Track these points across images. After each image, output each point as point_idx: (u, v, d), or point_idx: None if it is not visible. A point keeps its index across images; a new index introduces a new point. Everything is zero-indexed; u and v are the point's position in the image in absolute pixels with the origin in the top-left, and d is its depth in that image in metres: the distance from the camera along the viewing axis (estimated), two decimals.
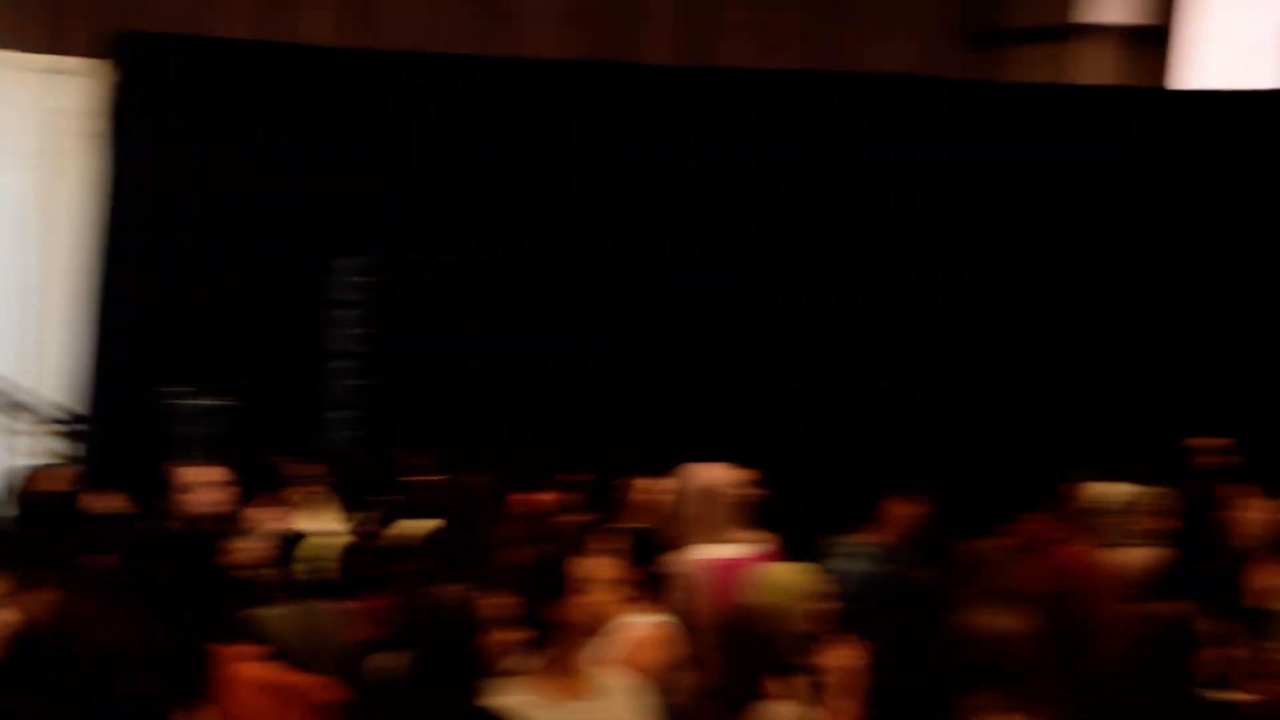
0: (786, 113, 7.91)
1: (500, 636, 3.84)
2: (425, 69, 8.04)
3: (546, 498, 5.99)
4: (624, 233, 7.82)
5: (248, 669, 3.80)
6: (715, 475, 5.52)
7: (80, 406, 8.19)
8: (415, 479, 6.58)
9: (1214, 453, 7.77)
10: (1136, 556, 5.77)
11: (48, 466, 7.01)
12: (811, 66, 11.21)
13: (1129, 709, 4.26)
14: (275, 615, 4.84)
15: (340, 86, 7.98)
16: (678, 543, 5.42)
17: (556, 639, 3.91)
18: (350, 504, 6.38)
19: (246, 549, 5.13)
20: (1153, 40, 12.10)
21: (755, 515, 6.33)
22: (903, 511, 5.78)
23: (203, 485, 5.91)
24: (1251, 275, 8.32)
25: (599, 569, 3.97)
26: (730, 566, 5.27)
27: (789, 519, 6.92)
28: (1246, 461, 7.74)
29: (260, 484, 6.54)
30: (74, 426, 8.26)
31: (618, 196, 7.79)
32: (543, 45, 10.56)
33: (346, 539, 5.48)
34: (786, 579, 4.76)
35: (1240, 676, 4.48)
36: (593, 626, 3.94)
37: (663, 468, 6.33)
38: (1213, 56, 11.89)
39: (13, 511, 5.85)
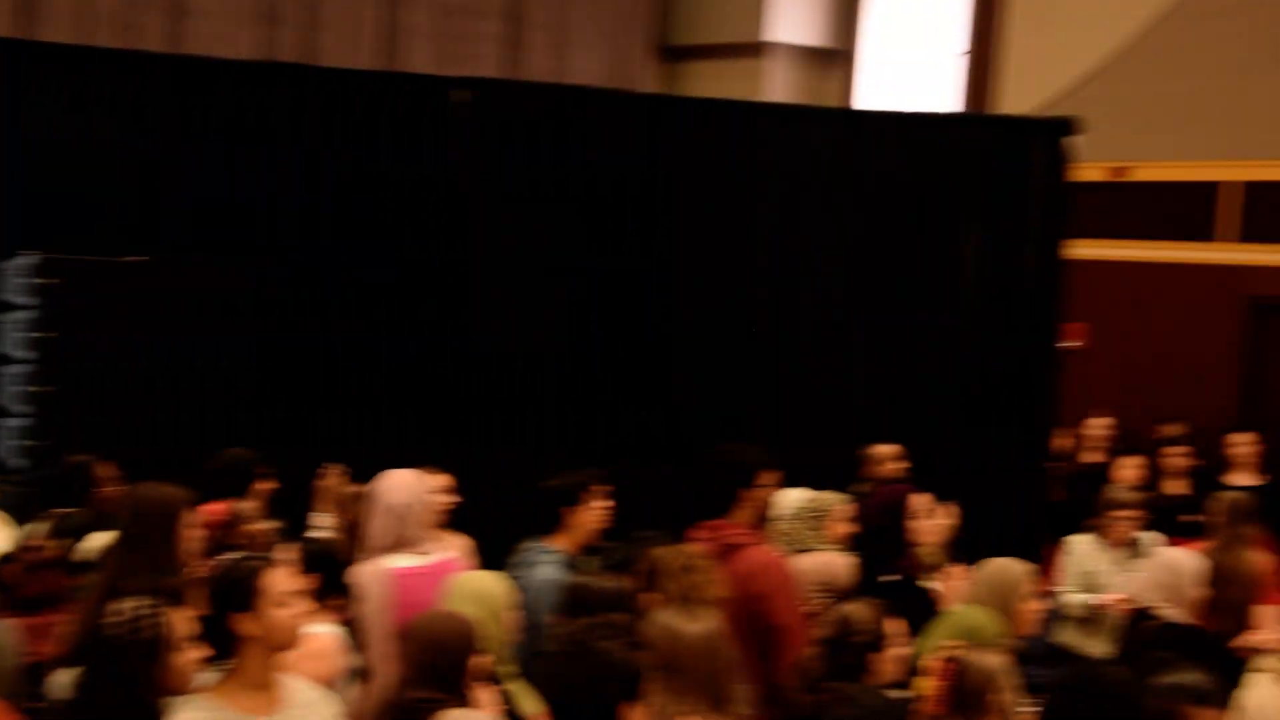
0: (476, 120, 7.87)
1: (182, 652, 3.72)
2: (95, 63, 7.68)
3: (233, 507, 5.82)
4: (279, 234, 7.60)
5: None
6: (406, 482, 5.45)
7: None
8: (96, 489, 6.33)
9: (892, 459, 8.08)
10: (823, 560, 5.95)
11: None
12: (504, 75, 11.25)
13: (811, 709, 4.39)
14: None
15: (9, 80, 7.58)
16: (366, 550, 5.35)
17: (239, 653, 3.82)
18: (25, 516, 6.08)
19: None
20: (837, 61, 12.58)
21: (449, 521, 6.30)
22: (588, 516, 5.82)
23: None
24: (899, 290, 8.60)
25: (283, 580, 3.88)
26: (419, 574, 5.22)
27: (483, 524, 6.91)
28: (915, 468, 8.08)
29: None
30: None
31: (281, 198, 7.60)
32: (225, 44, 10.29)
33: (16, 553, 5.23)
34: (476, 587, 4.75)
35: (917, 675, 4.68)
36: (276, 639, 3.85)
37: (361, 471, 6.24)
38: (893, 79, 12.44)
39: None
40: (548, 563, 5.54)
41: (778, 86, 12.29)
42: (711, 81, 12.42)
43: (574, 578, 5.12)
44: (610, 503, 6.09)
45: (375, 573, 5.20)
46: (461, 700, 3.99)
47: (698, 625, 3.96)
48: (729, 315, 8.25)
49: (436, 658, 4.04)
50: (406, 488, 5.40)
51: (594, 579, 4.86)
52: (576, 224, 8.00)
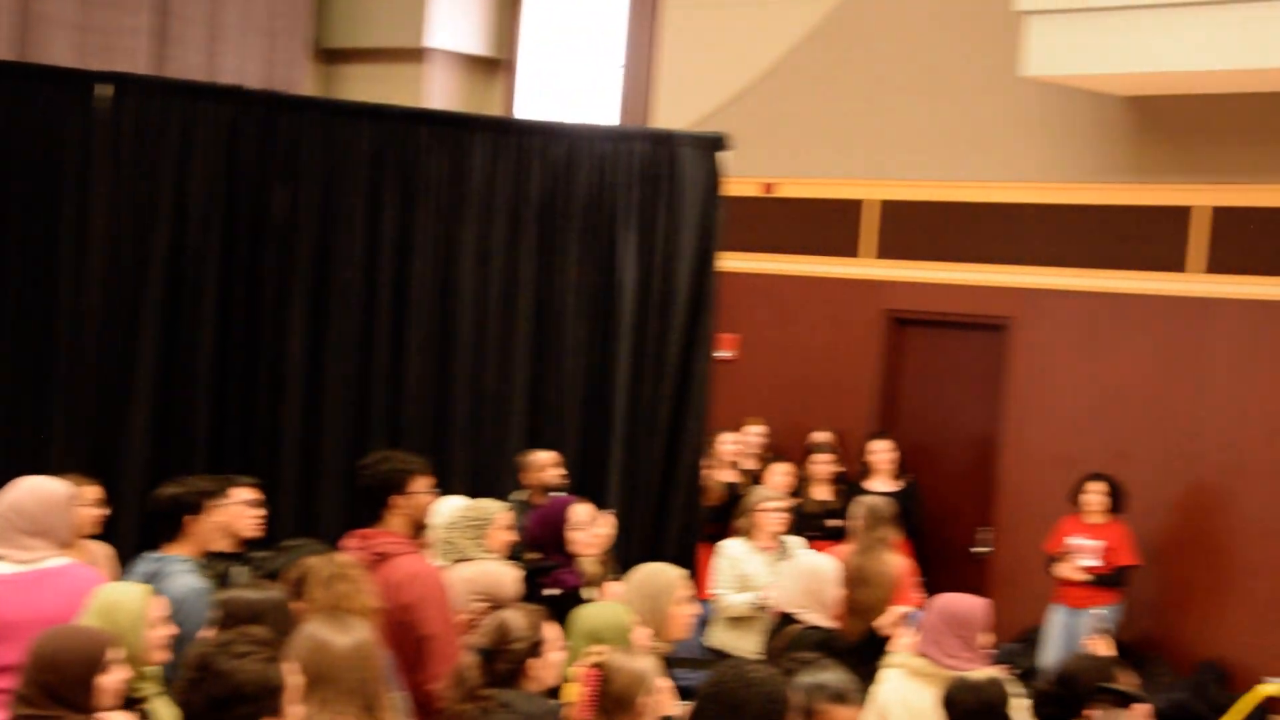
0: (125, 118, 7.55)
1: None
2: None
3: None
4: None
5: None
6: (35, 488, 5.16)
7: None
8: None
9: (551, 466, 8.13)
10: (483, 570, 5.90)
11: None
12: (153, 72, 10.82)
13: (468, 717, 4.36)
14: None
15: None
16: None
17: None
18: None
19: None
20: (499, 70, 12.61)
21: (94, 530, 6.02)
22: (216, 523, 5.65)
23: None
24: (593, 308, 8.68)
25: None
26: (3, 582, 4.95)
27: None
28: (574, 477, 8.15)
29: None
30: None
31: None
32: None
33: None
34: (112, 599, 4.52)
35: (568, 679, 4.70)
36: None
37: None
38: (555, 90, 12.55)
39: None
40: (182, 572, 5.34)
41: (438, 93, 12.23)
42: (371, 85, 12.26)
43: (227, 589, 4.96)
44: (261, 510, 5.94)
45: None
46: (86, 718, 3.80)
47: (346, 636, 3.89)
48: (385, 322, 8.13)
49: (54, 674, 3.84)
50: (36, 494, 5.12)
51: (246, 590, 4.71)
52: (223, 225, 7.75)
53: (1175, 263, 9.55)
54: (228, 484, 5.90)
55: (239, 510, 5.92)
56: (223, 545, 5.74)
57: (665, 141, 8.83)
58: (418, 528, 5.60)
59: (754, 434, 10.28)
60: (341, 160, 8.04)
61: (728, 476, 9.69)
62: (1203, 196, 9.49)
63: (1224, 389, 9.38)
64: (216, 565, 5.60)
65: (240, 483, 6.04)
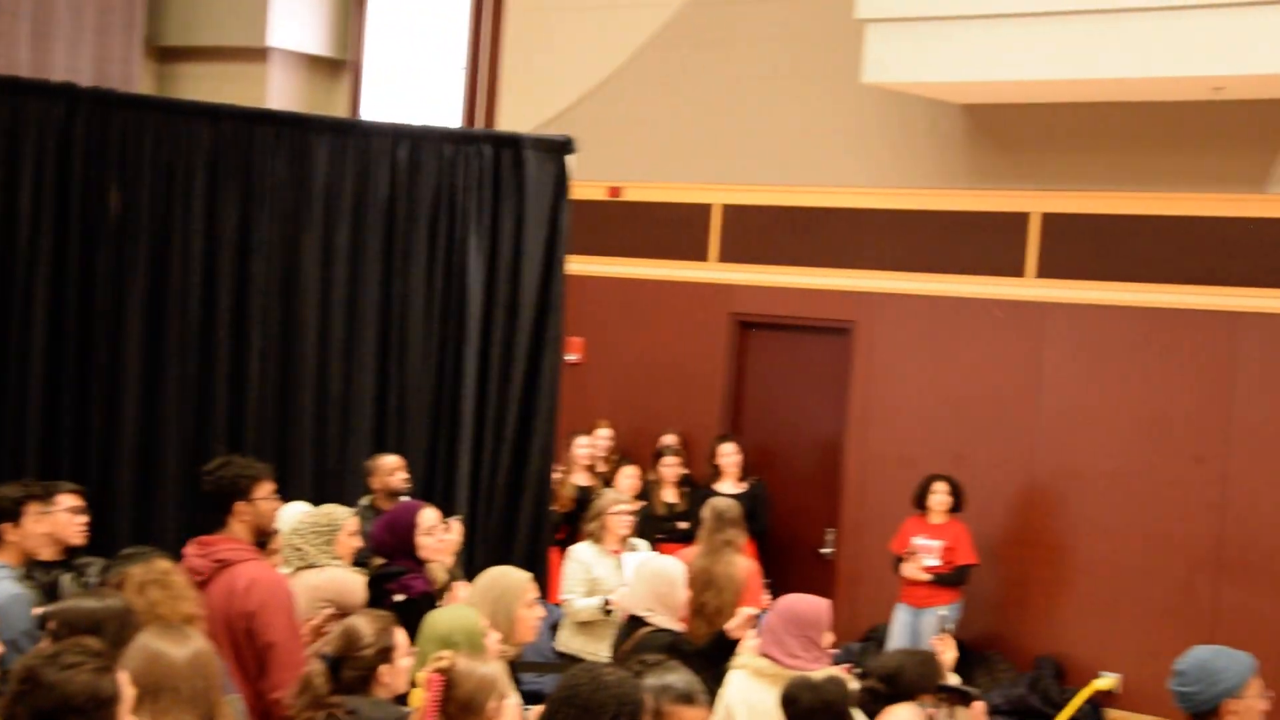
0: None
1: None
2: None
3: None
4: None
5: None
6: None
7: None
8: None
9: (396, 470, 8.04)
10: (331, 576, 5.81)
11: None
12: None
13: None
14: None
15: None
16: None
17: None
18: None
19: None
20: (342, 71, 12.46)
21: None
22: (37, 530, 5.51)
23: None
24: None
25: None
26: None
27: None
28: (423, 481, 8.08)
29: None
30: None
31: None
32: None
33: None
34: None
35: (416, 684, 4.66)
36: None
37: None
38: (400, 91, 12.43)
39: None
40: (2, 579, 5.19)
41: (280, 93, 12.04)
42: (210, 84, 12.02)
43: (55, 598, 4.82)
44: (85, 517, 5.79)
45: None
46: None
47: (183, 646, 3.80)
48: (225, 325, 7.97)
49: None
50: None
51: (85, 599, 4.57)
52: (55, 227, 7.53)
53: (1013, 268, 9.76)
54: (51, 490, 5.73)
55: (65, 518, 5.76)
56: (49, 553, 5.58)
57: (511, 144, 8.80)
58: (261, 534, 5.50)
59: (602, 437, 10.29)
60: (179, 161, 7.87)
61: (581, 480, 9.68)
62: (1035, 203, 9.71)
63: (1057, 391, 9.61)
64: (44, 574, 5.44)
65: (64, 489, 5.86)
